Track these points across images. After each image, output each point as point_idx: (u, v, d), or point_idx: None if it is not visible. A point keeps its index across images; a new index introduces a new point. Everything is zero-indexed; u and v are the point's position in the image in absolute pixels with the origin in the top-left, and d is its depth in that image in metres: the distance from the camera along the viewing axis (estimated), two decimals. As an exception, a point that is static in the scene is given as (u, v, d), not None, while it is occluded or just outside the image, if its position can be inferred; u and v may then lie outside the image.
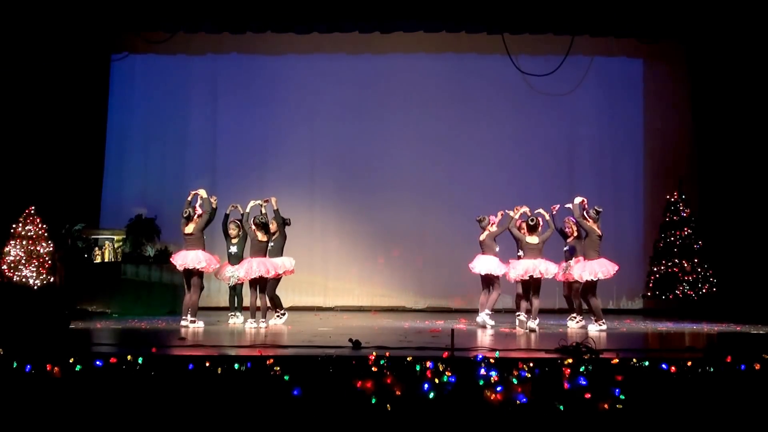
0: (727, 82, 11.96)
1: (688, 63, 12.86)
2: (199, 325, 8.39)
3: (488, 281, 8.94)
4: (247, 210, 8.77)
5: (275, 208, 8.89)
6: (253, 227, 8.59)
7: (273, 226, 8.84)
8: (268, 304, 8.87)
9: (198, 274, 8.49)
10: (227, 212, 9.04)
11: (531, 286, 8.58)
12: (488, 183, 12.68)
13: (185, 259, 8.45)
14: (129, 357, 4.93)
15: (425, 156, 12.81)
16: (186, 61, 13.01)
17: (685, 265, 11.77)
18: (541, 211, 8.75)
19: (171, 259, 8.77)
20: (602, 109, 12.99)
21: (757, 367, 4.96)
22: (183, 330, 8.02)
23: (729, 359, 5.06)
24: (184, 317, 8.45)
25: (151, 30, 12.16)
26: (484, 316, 8.79)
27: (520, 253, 8.75)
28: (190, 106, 13.01)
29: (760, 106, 11.44)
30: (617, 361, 4.99)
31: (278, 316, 9.03)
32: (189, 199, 8.66)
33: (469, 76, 12.90)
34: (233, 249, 9.01)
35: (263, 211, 8.74)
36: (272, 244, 8.88)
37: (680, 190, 12.28)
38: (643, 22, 11.67)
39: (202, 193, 8.66)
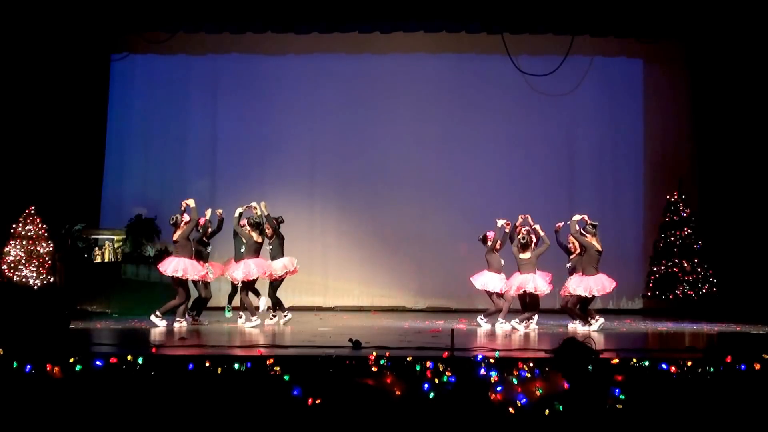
0: (727, 82, 11.95)
1: (688, 63, 12.84)
2: (161, 323, 8.45)
3: (493, 296, 9.04)
4: (235, 215, 8.83)
5: (266, 213, 8.91)
6: (248, 228, 8.65)
7: (269, 231, 8.89)
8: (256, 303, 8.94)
9: (180, 280, 8.54)
10: (241, 211, 9.02)
11: (524, 301, 8.70)
12: (488, 183, 12.69)
13: (167, 265, 8.58)
14: (129, 357, 4.93)
15: (425, 156, 12.80)
16: (186, 61, 12.99)
17: (685, 265, 11.77)
18: (536, 227, 8.79)
19: (158, 267, 8.87)
20: (602, 109, 12.97)
21: (757, 367, 4.96)
22: (176, 329, 8.17)
23: (729, 359, 5.06)
24: (177, 319, 8.54)
25: (151, 30, 12.14)
26: (503, 324, 8.85)
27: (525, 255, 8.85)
28: (190, 106, 12.99)
29: (760, 106, 11.43)
30: (617, 361, 4.99)
31: (272, 317, 9.04)
32: (182, 209, 8.75)
33: (469, 76, 12.89)
34: (244, 249, 9.03)
35: (258, 213, 8.81)
36: (270, 246, 8.93)
37: (680, 190, 12.27)
38: (643, 22, 11.66)
39: (191, 203, 8.73)
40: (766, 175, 11.43)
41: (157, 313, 8.53)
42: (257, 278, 8.71)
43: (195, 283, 8.98)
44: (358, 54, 12.93)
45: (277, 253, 8.95)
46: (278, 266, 8.87)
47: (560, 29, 12.01)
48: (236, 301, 9.30)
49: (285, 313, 9.04)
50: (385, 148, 12.80)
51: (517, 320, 8.58)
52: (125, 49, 12.83)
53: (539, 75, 12.49)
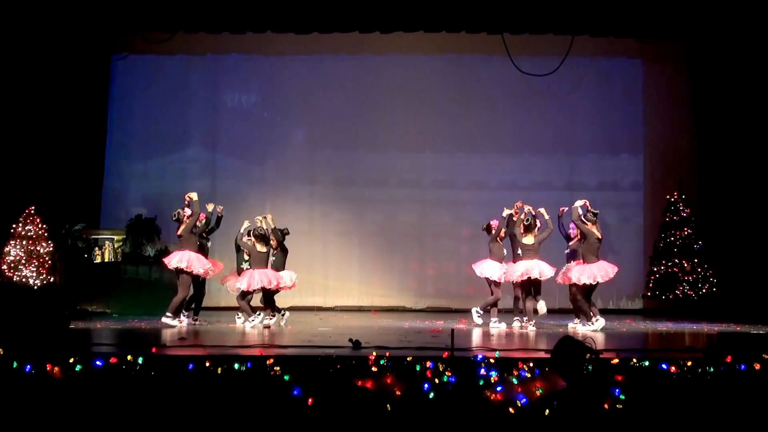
0: (727, 82, 11.95)
1: (688, 63, 12.85)
2: (175, 323, 8.43)
3: (491, 284, 8.99)
4: (242, 230, 8.84)
5: (272, 225, 8.92)
6: (253, 239, 8.67)
7: (273, 243, 8.90)
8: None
9: (185, 273, 8.54)
10: (248, 227, 9.00)
11: (530, 287, 8.63)
12: (488, 183, 12.71)
13: (171, 259, 8.63)
14: (129, 357, 4.93)
15: (425, 156, 12.83)
16: (186, 61, 13.00)
17: (685, 265, 11.76)
18: (541, 210, 8.76)
19: (163, 260, 8.89)
20: (602, 109, 12.98)
21: (757, 367, 4.96)
22: (161, 326, 8.18)
23: (729, 359, 5.05)
24: (167, 314, 8.50)
25: (151, 30, 12.14)
26: (480, 320, 8.86)
27: (520, 252, 8.82)
28: (190, 106, 13.00)
29: (761, 106, 11.44)
30: (617, 361, 4.99)
31: (269, 317, 9.04)
32: (186, 203, 8.77)
33: (469, 76, 12.90)
34: (245, 265, 9.03)
35: (262, 225, 8.82)
36: (273, 258, 8.95)
37: (680, 190, 12.28)
38: (643, 22, 11.66)
39: (194, 196, 8.75)
40: (766, 175, 11.43)
41: (168, 314, 8.50)
42: (258, 288, 8.70)
43: (193, 279, 8.96)
44: (357, 55, 12.93)
45: (280, 265, 8.97)
46: (280, 276, 8.87)
47: (560, 29, 12.00)
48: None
49: (283, 313, 9.04)
50: (385, 147, 12.83)
51: (530, 320, 8.57)
52: (125, 49, 12.83)
53: (539, 75, 12.47)
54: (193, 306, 9.24)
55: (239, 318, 9.02)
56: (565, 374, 4.26)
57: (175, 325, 8.42)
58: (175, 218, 8.73)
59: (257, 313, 8.81)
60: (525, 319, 8.75)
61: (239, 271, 9.08)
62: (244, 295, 8.80)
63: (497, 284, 8.94)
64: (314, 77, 12.89)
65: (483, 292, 9.40)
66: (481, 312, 9.03)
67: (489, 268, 8.87)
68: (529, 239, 8.59)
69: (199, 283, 9.15)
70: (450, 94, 12.88)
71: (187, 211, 8.69)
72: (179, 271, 8.56)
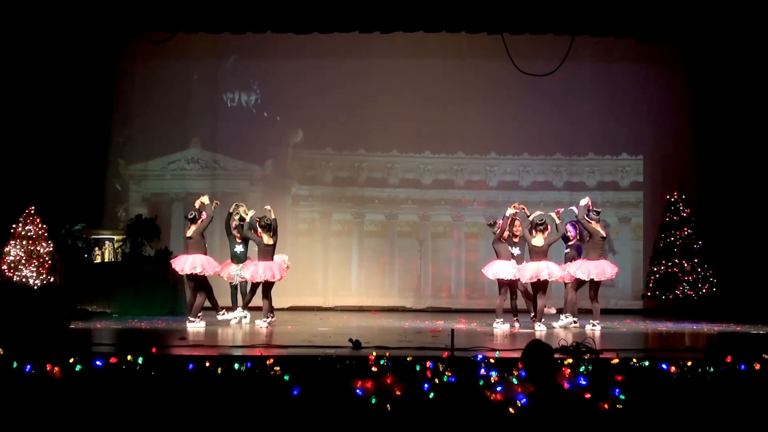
0: (727, 83, 11.94)
1: (688, 64, 12.84)
2: (199, 325, 8.41)
3: (507, 285, 8.92)
4: (248, 219, 8.81)
5: (248, 213, 8.93)
6: (259, 230, 8.65)
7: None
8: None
9: (197, 277, 8.54)
10: (230, 211, 9.05)
11: (537, 288, 8.60)
12: (488, 183, 12.71)
13: (184, 264, 8.57)
14: (129, 357, 4.93)
15: (425, 156, 12.84)
16: (186, 62, 12.99)
17: (685, 265, 11.76)
18: (551, 214, 8.76)
19: (172, 264, 8.87)
20: (602, 109, 12.97)
21: (757, 367, 4.97)
22: (188, 330, 8.13)
23: (729, 359, 5.06)
24: (189, 319, 8.53)
25: (152, 30, 12.11)
26: (500, 325, 8.75)
27: (514, 251, 8.82)
28: (190, 106, 12.99)
29: (760, 107, 11.44)
30: (617, 361, 5.00)
31: (270, 316, 9.05)
32: (197, 206, 8.76)
33: (468, 76, 12.88)
34: (238, 248, 9.04)
35: (252, 214, 8.82)
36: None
37: (680, 190, 12.26)
38: (643, 22, 11.64)
39: (205, 200, 8.78)
40: (766, 175, 11.43)
41: (190, 318, 8.51)
42: (263, 281, 8.69)
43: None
44: (357, 55, 12.90)
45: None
46: (282, 267, 8.87)
47: (560, 29, 11.96)
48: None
49: (272, 315, 9.03)
50: (385, 147, 12.84)
51: (537, 321, 8.53)
52: (127, 50, 12.80)
53: (539, 75, 12.44)
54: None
55: (246, 318, 8.98)
56: (533, 378, 4.17)
57: (202, 326, 8.38)
58: (191, 217, 8.67)
59: (232, 310, 8.76)
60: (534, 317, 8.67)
61: (233, 257, 9.06)
62: (266, 290, 8.77)
63: (507, 284, 8.88)
64: (314, 77, 12.86)
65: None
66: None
67: (500, 269, 8.77)
68: (538, 240, 8.52)
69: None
70: (450, 95, 12.86)
71: (203, 214, 8.71)
72: (192, 277, 8.54)
